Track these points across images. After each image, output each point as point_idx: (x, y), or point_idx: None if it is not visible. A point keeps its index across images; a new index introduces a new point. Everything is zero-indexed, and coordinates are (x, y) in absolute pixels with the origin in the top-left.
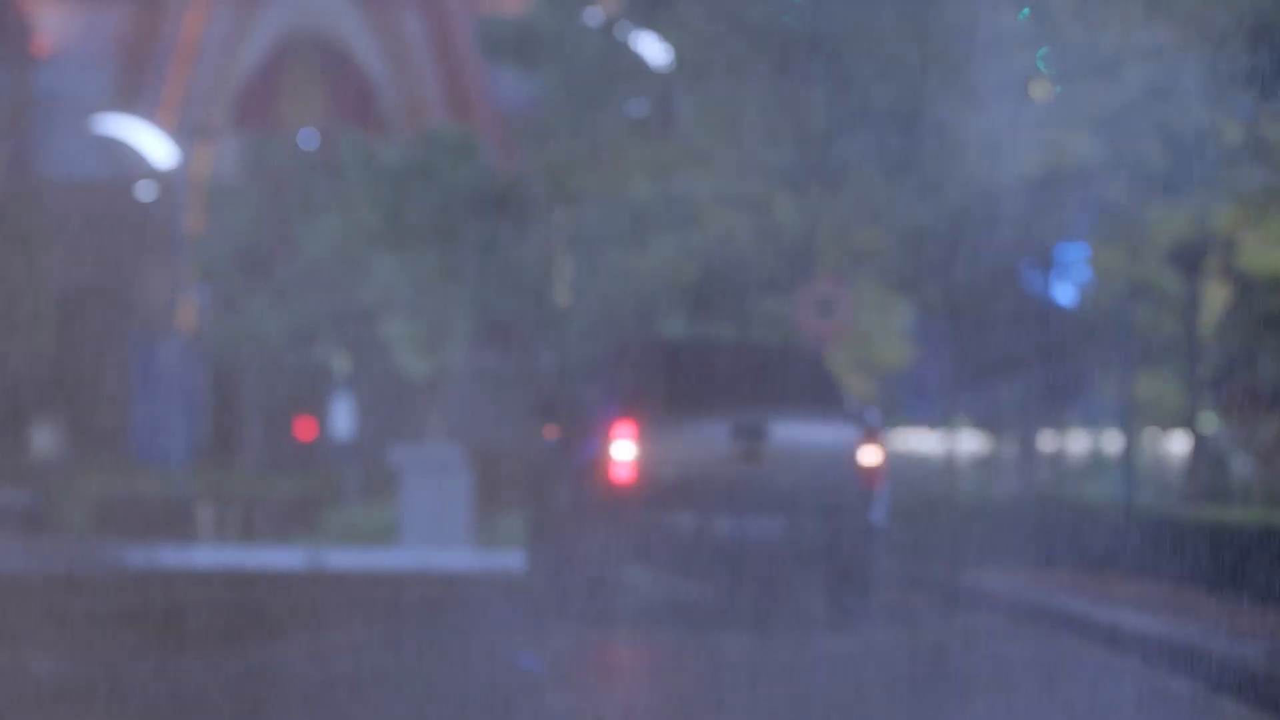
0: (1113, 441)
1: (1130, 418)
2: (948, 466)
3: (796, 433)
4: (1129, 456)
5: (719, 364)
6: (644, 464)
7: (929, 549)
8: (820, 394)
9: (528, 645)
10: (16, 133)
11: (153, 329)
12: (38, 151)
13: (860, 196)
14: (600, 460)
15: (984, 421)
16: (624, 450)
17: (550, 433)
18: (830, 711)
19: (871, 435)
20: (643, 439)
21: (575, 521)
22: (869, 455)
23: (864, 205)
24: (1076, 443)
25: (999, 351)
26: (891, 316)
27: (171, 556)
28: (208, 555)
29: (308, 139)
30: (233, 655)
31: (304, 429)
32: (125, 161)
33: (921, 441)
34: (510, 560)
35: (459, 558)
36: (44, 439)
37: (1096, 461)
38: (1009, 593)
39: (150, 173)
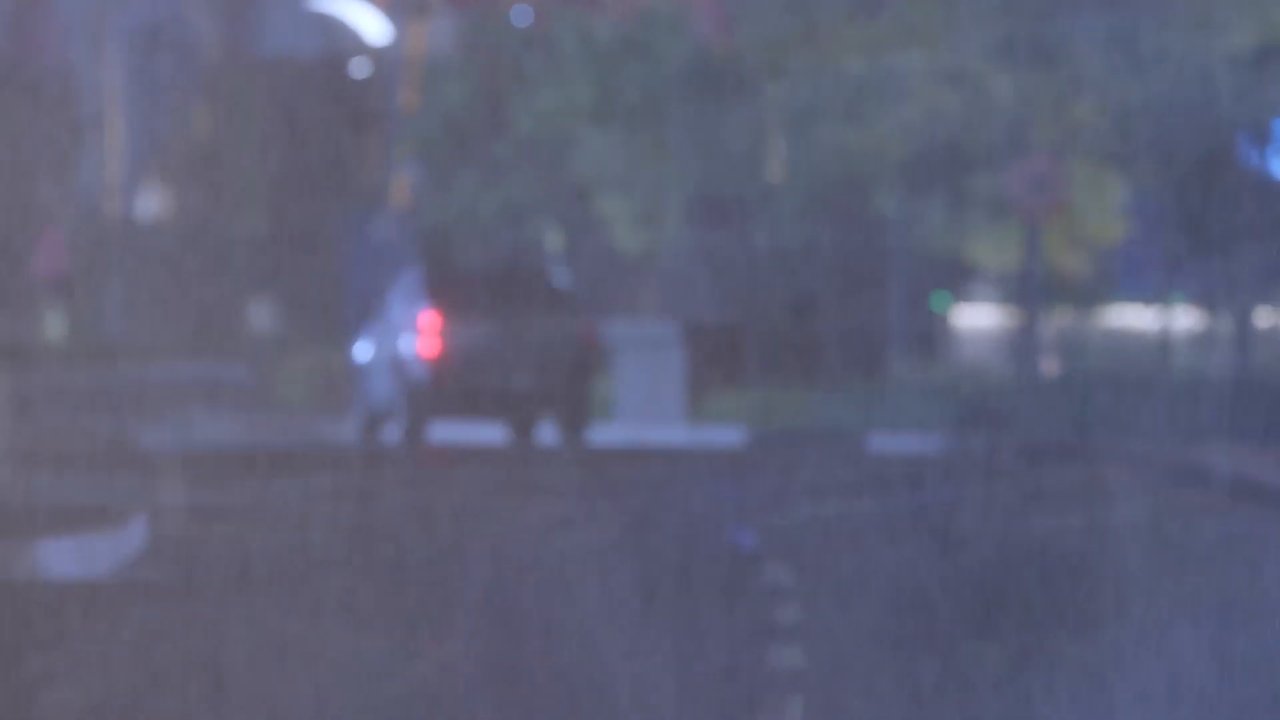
0: None
1: None
2: (1162, 344)
3: (540, 319)
4: None
5: (492, 277)
6: (444, 343)
7: (1144, 427)
8: (556, 295)
9: (742, 520)
10: (233, 10)
11: (367, 206)
12: (254, 29)
13: (1075, 72)
14: (414, 343)
15: (1199, 298)
16: (431, 332)
17: (366, 334)
18: (1052, 584)
19: (587, 321)
20: (444, 326)
21: (397, 391)
22: (586, 334)
23: (1079, 81)
24: None
25: (1214, 227)
26: (1106, 193)
27: (384, 433)
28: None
29: (521, 15)
30: (443, 532)
31: None
32: (340, 39)
33: (1136, 318)
34: (725, 436)
35: (672, 434)
36: (261, 315)
37: None
38: (1226, 470)
39: (364, 50)
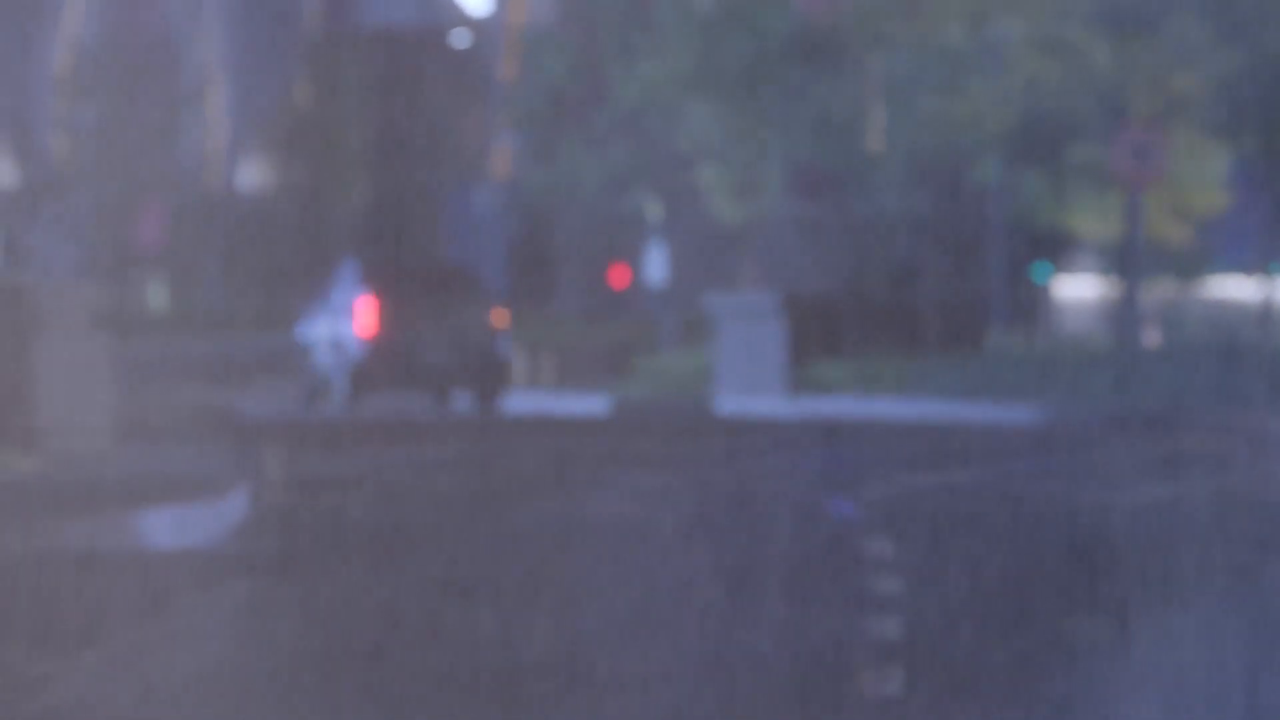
0: None
1: None
2: (1264, 314)
3: (458, 305)
4: None
5: (419, 268)
6: (381, 323)
7: (1246, 397)
8: (471, 285)
9: (842, 493)
10: None
11: (467, 176)
12: None
13: (1176, 41)
14: (353, 324)
15: None
16: (368, 316)
17: (308, 317)
18: (1154, 556)
19: (499, 306)
20: (380, 309)
21: (338, 365)
22: (497, 319)
23: (1180, 50)
24: None
25: None
26: (1207, 163)
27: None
28: (522, 401)
29: None
30: (540, 501)
31: (618, 276)
32: (441, 9)
33: (1237, 288)
34: (825, 407)
35: (772, 404)
36: None
37: None
38: None
39: (465, 20)
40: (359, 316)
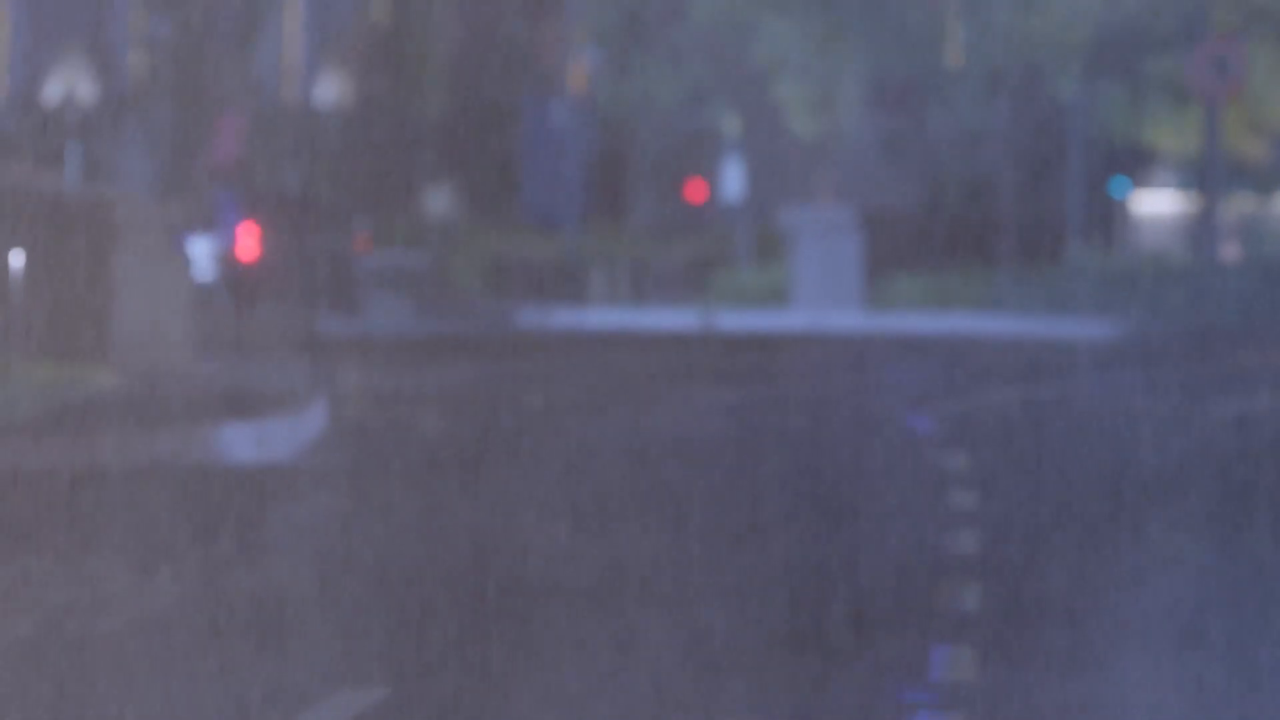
0: None
1: None
2: None
3: (325, 233)
4: None
5: (292, 199)
6: (261, 248)
7: None
8: (337, 213)
9: (919, 407)
10: None
11: (545, 91)
12: None
13: None
14: (235, 247)
15: None
16: (248, 240)
17: (195, 237)
18: (1226, 466)
19: (362, 233)
20: (261, 234)
21: (224, 280)
22: (359, 245)
23: None
24: None
25: None
26: None
27: (562, 318)
28: (598, 317)
29: None
30: (620, 414)
31: (694, 191)
32: None
33: None
34: (901, 323)
35: (848, 319)
36: (438, 201)
37: None
38: None
39: None
40: (241, 240)
